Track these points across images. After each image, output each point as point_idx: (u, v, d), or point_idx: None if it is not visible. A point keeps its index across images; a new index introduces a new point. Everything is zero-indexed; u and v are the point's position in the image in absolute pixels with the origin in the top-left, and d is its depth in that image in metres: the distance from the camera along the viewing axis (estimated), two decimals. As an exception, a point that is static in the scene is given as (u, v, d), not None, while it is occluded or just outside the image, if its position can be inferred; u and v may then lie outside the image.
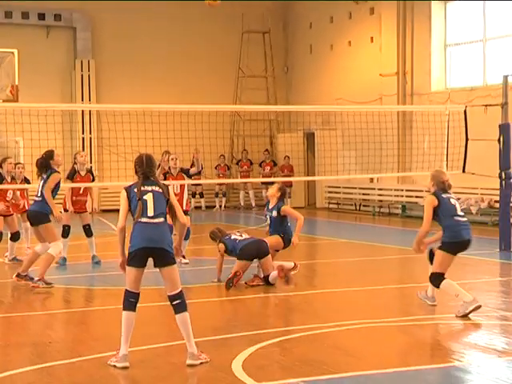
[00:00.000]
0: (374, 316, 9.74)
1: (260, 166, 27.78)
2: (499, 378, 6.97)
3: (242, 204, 28.08)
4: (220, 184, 27.30)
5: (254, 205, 27.70)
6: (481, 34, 22.62)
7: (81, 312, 10.57)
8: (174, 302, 7.44)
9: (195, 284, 11.71)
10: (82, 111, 26.58)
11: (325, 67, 27.94)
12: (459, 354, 7.86)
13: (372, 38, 25.97)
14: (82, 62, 27.24)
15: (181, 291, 7.48)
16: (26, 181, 15.92)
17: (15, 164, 15.63)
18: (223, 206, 27.73)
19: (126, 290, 7.49)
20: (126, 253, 7.52)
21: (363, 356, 7.97)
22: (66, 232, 14.34)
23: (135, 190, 7.59)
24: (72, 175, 14.61)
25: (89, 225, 14.59)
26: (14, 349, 8.40)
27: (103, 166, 25.94)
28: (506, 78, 16.09)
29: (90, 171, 14.83)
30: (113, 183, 16.45)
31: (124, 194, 7.63)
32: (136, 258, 7.42)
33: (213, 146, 21.17)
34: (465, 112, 16.61)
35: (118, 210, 14.95)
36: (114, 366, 7.39)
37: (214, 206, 27.63)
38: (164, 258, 7.42)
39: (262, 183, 26.91)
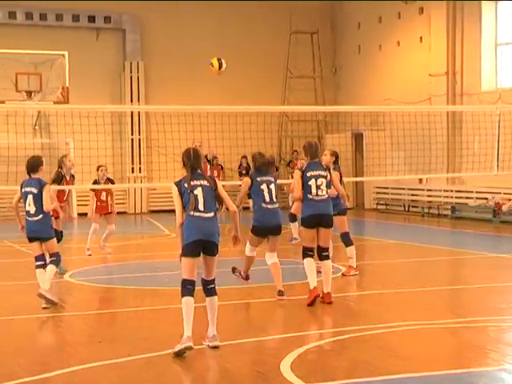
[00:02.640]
0: (423, 317, 9.66)
1: (288, 165, 27.70)
2: (551, 382, 6.87)
3: (291, 204, 27.99)
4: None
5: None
6: (532, 32, 22.31)
7: (129, 312, 10.65)
8: (208, 286, 8.08)
9: (241, 285, 11.69)
10: (131, 112, 26.77)
11: (373, 67, 27.79)
12: (510, 357, 7.76)
13: (421, 37, 25.76)
14: (131, 63, 27.46)
15: (214, 278, 8.11)
16: (110, 181, 16.32)
17: (98, 167, 16.08)
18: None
19: (183, 278, 7.96)
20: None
21: (412, 358, 7.91)
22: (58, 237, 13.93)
23: (185, 184, 8.03)
24: (60, 180, 14.06)
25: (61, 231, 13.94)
26: (63, 348, 8.49)
27: (152, 166, 26.07)
28: (558, 77, 15.84)
29: (73, 176, 14.47)
30: (161, 184, 16.56)
31: (175, 189, 8.07)
32: (191, 249, 7.94)
33: (261, 146, 21.07)
34: (516, 112, 16.40)
35: (166, 211, 15.09)
36: (179, 350, 7.71)
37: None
38: (212, 249, 8.02)
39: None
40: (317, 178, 10.36)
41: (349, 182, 27.07)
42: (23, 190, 10.65)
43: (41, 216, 10.53)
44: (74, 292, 12.05)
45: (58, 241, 12.87)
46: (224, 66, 14.20)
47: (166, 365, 7.62)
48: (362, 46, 28.65)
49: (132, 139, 27.09)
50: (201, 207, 7.99)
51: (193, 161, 8.13)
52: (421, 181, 25.05)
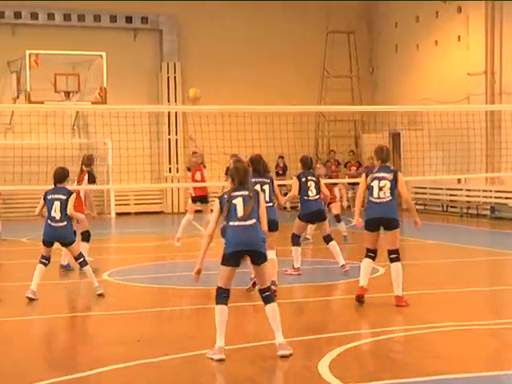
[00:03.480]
0: (463, 318, 9.58)
1: (345, 166, 27.63)
2: None
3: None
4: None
5: (345, 205, 27.46)
6: None
7: (167, 311, 10.68)
8: (264, 294, 7.83)
9: (282, 284, 11.67)
10: (168, 112, 26.87)
11: (411, 67, 27.63)
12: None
13: (459, 36, 25.55)
14: (168, 64, 27.56)
15: (269, 286, 7.86)
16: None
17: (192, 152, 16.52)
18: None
19: (219, 286, 7.85)
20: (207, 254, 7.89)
21: (452, 359, 7.83)
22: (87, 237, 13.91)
23: (225, 196, 7.93)
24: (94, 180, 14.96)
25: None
26: (102, 347, 8.53)
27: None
28: None
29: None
30: (198, 184, 16.57)
31: (217, 204, 7.97)
32: (230, 260, 7.80)
33: (297, 146, 21.15)
34: (556, 111, 16.20)
35: (201, 211, 15.10)
36: (211, 358, 7.63)
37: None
38: (256, 258, 7.82)
39: (349, 184, 26.73)
40: (380, 179, 10.35)
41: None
42: (49, 197, 11.07)
43: (66, 222, 11.03)
44: (112, 291, 12.10)
45: (87, 240, 13.37)
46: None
47: (203, 364, 7.63)
48: (399, 45, 28.49)
49: (169, 139, 27.19)
50: (239, 214, 7.81)
51: (242, 177, 8.00)
52: (459, 181, 24.84)
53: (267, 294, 7.84)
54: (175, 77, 27.58)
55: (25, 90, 23.19)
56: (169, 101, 27.30)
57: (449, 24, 25.99)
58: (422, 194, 26.31)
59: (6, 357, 8.07)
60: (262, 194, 8.12)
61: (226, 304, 7.82)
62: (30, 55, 23.06)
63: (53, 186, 11.24)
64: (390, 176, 10.35)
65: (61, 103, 22.62)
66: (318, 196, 12.84)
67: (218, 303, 7.82)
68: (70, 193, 11.10)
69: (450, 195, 25.29)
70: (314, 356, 7.68)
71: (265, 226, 7.97)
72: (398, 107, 22.95)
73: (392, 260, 10.40)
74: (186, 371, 7.38)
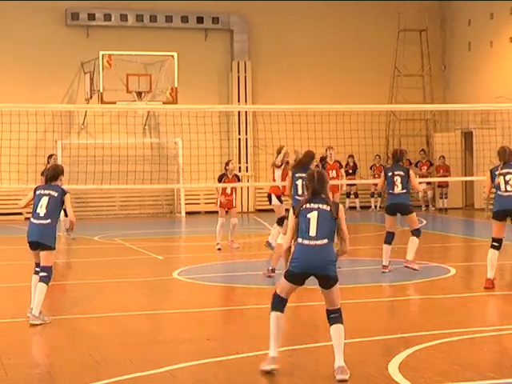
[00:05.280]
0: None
1: (416, 165, 27.35)
2: None
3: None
4: (375, 184, 27.04)
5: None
6: None
7: (237, 310, 10.71)
8: (331, 315, 7.25)
9: (350, 285, 11.62)
10: (239, 112, 26.95)
11: (484, 65, 27.19)
12: None
13: (534, 33, 25.06)
14: (238, 63, 27.65)
15: (339, 308, 7.26)
16: (237, 178, 17.21)
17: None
18: (378, 206, 27.44)
19: (275, 292, 7.37)
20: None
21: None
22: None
23: (298, 207, 7.30)
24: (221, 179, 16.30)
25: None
26: (171, 345, 8.60)
27: (259, 166, 26.26)
28: None
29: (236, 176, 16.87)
30: (268, 183, 16.56)
31: (291, 211, 7.34)
32: (293, 278, 7.24)
33: (368, 145, 21.05)
34: None
35: (272, 210, 15.14)
36: (264, 369, 7.24)
37: (370, 207, 27.42)
38: (325, 281, 7.18)
39: (419, 183, 26.44)
40: (505, 175, 11.40)
41: (457, 182, 26.63)
42: (37, 192, 9.71)
43: (49, 221, 9.57)
44: (182, 290, 12.21)
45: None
46: None
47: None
48: (472, 43, 28.06)
49: (239, 139, 27.28)
50: (312, 233, 7.12)
51: (316, 184, 7.28)
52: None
53: (335, 315, 7.20)
54: (245, 76, 27.65)
55: (98, 91, 23.56)
56: (239, 100, 27.38)
57: (523, 20, 25.51)
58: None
59: (83, 351, 8.19)
60: (341, 207, 7.32)
61: (282, 311, 7.28)
62: (103, 56, 23.42)
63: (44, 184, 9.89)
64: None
65: (132, 103, 22.91)
66: (404, 190, 12.90)
67: (272, 309, 7.30)
68: (64, 191, 9.70)
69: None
70: (383, 357, 7.60)
71: (346, 246, 7.29)
72: (471, 105, 22.62)
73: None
74: (257, 370, 7.36)
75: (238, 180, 16.89)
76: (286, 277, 7.27)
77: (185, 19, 27.14)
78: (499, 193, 11.47)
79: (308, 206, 7.23)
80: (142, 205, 25.89)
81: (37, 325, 9.32)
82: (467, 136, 27.22)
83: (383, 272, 12.74)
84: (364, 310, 10.44)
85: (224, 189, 16.63)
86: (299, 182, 12.26)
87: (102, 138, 21.71)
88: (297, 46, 27.88)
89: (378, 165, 27.56)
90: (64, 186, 10.04)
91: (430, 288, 11.82)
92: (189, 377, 7.31)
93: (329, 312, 7.25)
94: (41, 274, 9.50)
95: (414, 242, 12.88)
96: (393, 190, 12.93)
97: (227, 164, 16.96)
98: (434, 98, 28.33)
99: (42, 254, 9.53)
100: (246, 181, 26.97)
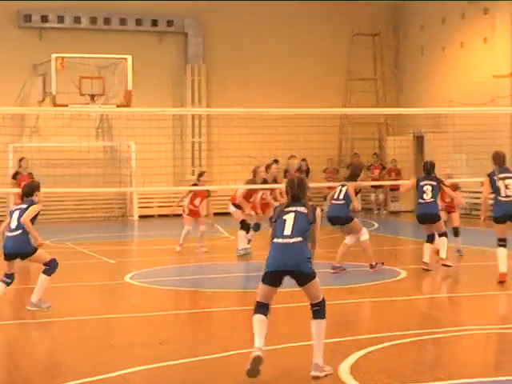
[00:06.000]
0: (484, 322, 9.54)
1: (368, 169, 27.57)
2: None
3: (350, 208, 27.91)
4: (328, 188, 27.17)
5: (359, 208, 27.44)
6: None
7: (189, 314, 10.71)
8: (313, 309, 7.34)
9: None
10: (193, 115, 26.94)
11: (436, 69, 27.50)
12: None
13: (485, 38, 25.40)
14: (192, 66, 27.62)
15: (321, 300, 7.32)
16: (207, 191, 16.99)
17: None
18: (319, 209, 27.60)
19: (256, 300, 7.37)
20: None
21: (474, 363, 7.81)
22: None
23: (277, 212, 7.47)
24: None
25: None
26: (125, 349, 8.57)
27: (212, 169, 26.24)
28: None
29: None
30: (222, 186, 16.61)
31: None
32: (268, 279, 7.30)
33: (321, 149, 21.18)
34: None
35: (226, 214, 15.15)
36: (250, 367, 7.16)
37: (322, 210, 27.52)
38: (301, 279, 7.23)
39: (372, 187, 26.70)
40: (503, 179, 12.13)
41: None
42: (12, 209, 10.54)
43: (20, 231, 10.17)
44: (135, 293, 12.17)
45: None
46: None
47: (221, 367, 7.65)
48: (424, 47, 28.37)
49: (193, 142, 27.25)
50: (286, 231, 7.26)
51: (296, 190, 7.46)
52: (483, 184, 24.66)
53: (316, 308, 7.29)
54: (200, 80, 27.63)
55: (50, 93, 23.34)
56: (193, 104, 27.36)
57: (475, 26, 25.84)
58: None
59: (36, 356, 8.13)
60: (318, 211, 7.50)
61: (264, 314, 7.25)
62: (56, 58, 23.20)
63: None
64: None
65: (85, 106, 22.73)
66: (432, 200, 13.49)
67: (254, 313, 7.31)
68: (32, 203, 10.32)
69: (474, 198, 25.11)
70: (334, 360, 7.64)
71: (315, 248, 7.42)
72: (423, 109, 22.85)
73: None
74: (210, 374, 7.38)
75: (209, 194, 16.77)
76: (263, 280, 7.33)
77: (139, 22, 27.05)
78: (499, 198, 12.13)
79: (286, 209, 7.42)
80: (94, 208, 25.72)
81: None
82: (419, 140, 27.49)
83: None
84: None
85: (193, 199, 16.51)
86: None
87: (55, 141, 21.54)
88: (252, 50, 27.94)
89: (330, 168, 27.73)
90: (14, 190, 10.21)
91: (381, 290, 11.92)
92: (141, 381, 7.30)
93: (311, 306, 7.33)
94: (44, 268, 10.31)
95: (443, 241, 13.57)
96: (422, 199, 13.52)
97: (201, 175, 16.77)
98: (386, 102, 28.57)
99: (31, 259, 10.32)
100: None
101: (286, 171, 19.28)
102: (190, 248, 16.34)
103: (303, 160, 26.43)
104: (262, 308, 7.31)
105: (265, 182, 15.88)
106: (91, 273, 14.05)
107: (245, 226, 15.69)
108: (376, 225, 21.58)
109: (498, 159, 12.43)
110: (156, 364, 7.68)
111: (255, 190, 15.74)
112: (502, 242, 12.26)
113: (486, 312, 10.50)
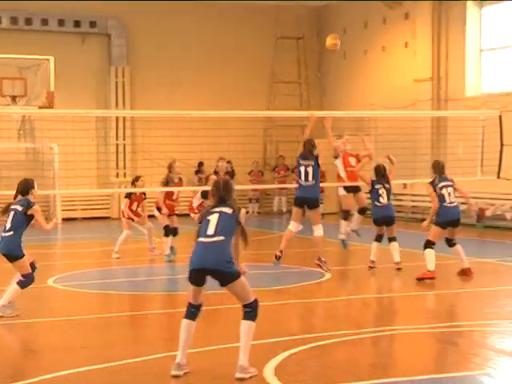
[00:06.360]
0: (407, 322, 9.70)
1: (293, 171, 27.75)
2: (533, 386, 6.91)
3: (275, 210, 28.13)
4: (253, 190, 27.31)
5: (285, 210, 27.73)
6: (516, 38, 22.45)
7: (113, 317, 10.63)
8: (245, 310, 7.38)
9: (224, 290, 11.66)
10: (117, 117, 26.73)
11: (358, 73, 27.87)
12: (492, 362, 7.78)
13: (406, 43, 25.85)
14: (116, 68, 27.42)
15: (252, 302, 7.36)
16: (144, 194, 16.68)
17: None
18: (256, 211, 27.76)
19: (188, 301, 7.46)
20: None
21: (396, 363, 7.94)
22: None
23: (202, 214, 7.55)
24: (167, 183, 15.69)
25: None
26: (47, 353, 8.46)
27: (136, 171, 26.04)
28: (541, 82, 15.96)
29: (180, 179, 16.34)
30: (146, 189, 16.52)
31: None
32: (192, 277, 7.36)
33: (246, 151, 21.23)
34: (500, 117, 16.48)
35: (151, 216, 15.08)
36: (173, 374, 7.27)
37: (247, 212, 27.64)
38: (222, 279, 7.26)
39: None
40: (445, 188, 12.86)
41: (332, 187, 27.10)
42: (10, 208, 10.53)
43: (12, 233, 10.32)
44: (57, 297, 12.02)
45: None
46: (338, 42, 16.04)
47: (146, 370, 7.61)
48: (347, 51, 28.67)
49: (117, 144, 27.04)
50: (210, 231, 7.29)
51: (222, 192, 7.50)
52: (405, 186, 25.08)
53: (247, 309, 7.33)
54: (123, 81, 27.44)
55: (-30, 94, 22.87)
56: (117, 105, 27.15)
57: (396, 30, 26.29)
58: (368, 198, 26.45)
59: None
60: (243, 211, 7.52)
61: (193, 319, 7.37)
62: (-25, 59, 22.76)
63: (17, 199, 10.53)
64: (451, 183, 13.06)
65: (7, 107, 22.34)
66: (388, 202, 14.34)
67: (184, 317, 7.40)
68: (29, 205, 10.37)
69: (396, 200, 25.48)
70: (258, 362, 7.68)
71: (242, 245, 7.50)
72: (345, 113, 23.14)
73: (452, 245, 13.16)
74: (136, 378, 7.33)
75: (145, 196, 16.62)
76: (188, 279, 7.40)
77: (61, 23, 26.71)
78: (444, 204, 12.81)
79: (211, 210, 7.46)
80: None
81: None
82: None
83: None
84: (239, 314, 10.51)
85: (131, 204, 16.39)
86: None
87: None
88: (176, 51, 27.86)
89: (256, 171, 27.83)
90: None
91: (305, 292, 12.02)
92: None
93: (243, 307, 7.36)
94: (20, 278, 10.31)
95: (395, 246, 14.05)
96: (379, 202, 14.14)
97: (136, 180, 16.58)
98: (310, 105, 28.82)
99: (14, 264, 10.34)
100: (124, 187, 26.73)
101: (215, 172, 19.36)
102: (111, 251, 16.19)
103: (228, 162, 26.50)
104: (191, 311, 7.39)
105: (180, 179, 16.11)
106: (12, 277, 13.79)
107: (168, 231, 15.70)
108: (301, 227, 21.69)
109: (438, 168, 13.15)
110: (79, 368, 7.60)
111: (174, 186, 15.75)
112: (432, 245, 12.82)
113: (411, 312, 10.68)
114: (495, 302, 10.94)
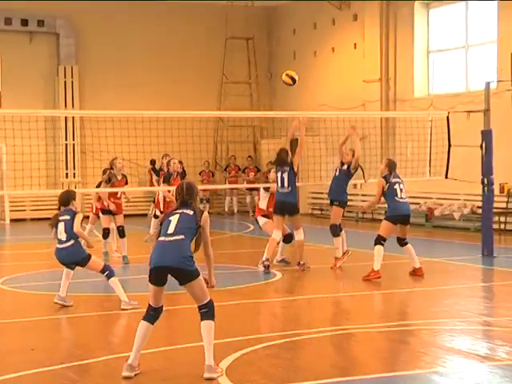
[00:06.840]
0: (356, 322, 9.78)
1: (244, 172, 27.81)
2: (481, 384, 7.01)
3: (226, 210, 28.13)
4: (204, 190, 27.26)
5: (236, 211, 27.76)
6: (463, 40, 22.75)
7: (63, 319, 10.54)
8: (200, 311, 7.40)
9: (176, 291, 11.65)
10: (66, 117, 26.49)
11: (308, 73, 27.95)
12: (442, 360, 7.88)
13: (355, 44, 26.05)
14: (65, 68, 27.17)
15: (208, 302, 7.39)
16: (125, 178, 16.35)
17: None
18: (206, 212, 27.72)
19: (148, 304, 7.47)
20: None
21: (347, 362, 8.00)
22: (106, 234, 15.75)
23: (164, 216, 7.58)
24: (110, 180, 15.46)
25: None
26: (3, 356, 8.39)
27: (86, 172, 25.88)
28: (488, 84, 16.18)
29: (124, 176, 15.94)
30: (95, 189, 16.41)
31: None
32: (152, 277, 7.36)
33: (197, 152, 21.16)
34: (447, 118, 16.69)
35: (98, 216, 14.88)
36: (124, 376, 7.27)
37: (209, 213, 27.55)
38: (180, 276, 7.30)
39: (246, 189, 26.96)
40: (398, 184, 13.24)
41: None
42: (59, 220, 10.88)
43: (72, 242, 10.75)
44: (6, 299, 11.88)
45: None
46: (295, 77, 15.98)
47: (99, 372, 7.57)
48: (297, 52, 28.84)
49: (66, 144, 26.81)
50: (170, 230, 7.33)
51: (185, 195, 7.54)
52: (355, 186, 25.25)
53: (204, 310, 7.35)
54: (72, 81, 27.21)
55: None
56: (66, 105, 26.92)
57: (345, 31, 26.47)
58: (319, 199, 26.64)
59: None
60: (206, 214, 7.59)
61: (151, 322, 7.39)
62: None
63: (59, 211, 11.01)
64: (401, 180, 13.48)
65: (-47, 107, 22.02)
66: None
67: (142, 318, 7.43)
68: (75, 213, 10.85)
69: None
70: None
71: (208, 249, 7.57)
72: (296, 113, 23.15)
73: (404, 244, 13.34)
74: (85, 380, 7.29)
75: (126, 182, 16.31)
76: (149, 279, 7.38)
77: (8, 21, 26.38)
78: (396, 199, 13.15)
79: (173, 211, 7.52)
80: (-37, 212, 24.98)
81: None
82: (293, 143, 27.81)
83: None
84: (190, 315, 10.51)
85: (112, 194, 15.96)
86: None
87: None
88: (125, 51, 27.73)
89: (206, 171, 27.80)
90: None
91: (256, 292, 12.05)
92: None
93: (199, 308, 7.38)
94: (104, 274, 10.82)
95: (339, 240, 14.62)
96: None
97: (114, 164, 16.12)
98: (260, 106, 28.89)
99: (88, 266, 10.82)
100: (74, 187, 26.52)
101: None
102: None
103: (180, 162, 26.41)
104: (151, 314, 7.40)
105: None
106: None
107: (105, 234, 15.75)
108: (252, 227, 21.76)
109: (392, 165, 13.50)
110: (29, 370, 7.53)
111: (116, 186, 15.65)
112: (382, 241, 13.01)
113: (363, 312, 10.76)
114: (444, 301, 11.08)
